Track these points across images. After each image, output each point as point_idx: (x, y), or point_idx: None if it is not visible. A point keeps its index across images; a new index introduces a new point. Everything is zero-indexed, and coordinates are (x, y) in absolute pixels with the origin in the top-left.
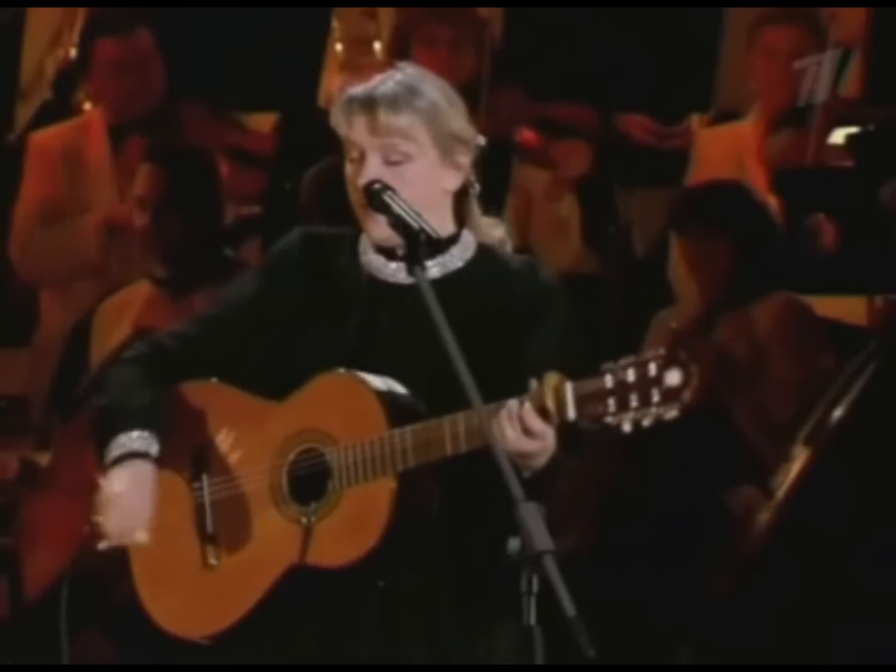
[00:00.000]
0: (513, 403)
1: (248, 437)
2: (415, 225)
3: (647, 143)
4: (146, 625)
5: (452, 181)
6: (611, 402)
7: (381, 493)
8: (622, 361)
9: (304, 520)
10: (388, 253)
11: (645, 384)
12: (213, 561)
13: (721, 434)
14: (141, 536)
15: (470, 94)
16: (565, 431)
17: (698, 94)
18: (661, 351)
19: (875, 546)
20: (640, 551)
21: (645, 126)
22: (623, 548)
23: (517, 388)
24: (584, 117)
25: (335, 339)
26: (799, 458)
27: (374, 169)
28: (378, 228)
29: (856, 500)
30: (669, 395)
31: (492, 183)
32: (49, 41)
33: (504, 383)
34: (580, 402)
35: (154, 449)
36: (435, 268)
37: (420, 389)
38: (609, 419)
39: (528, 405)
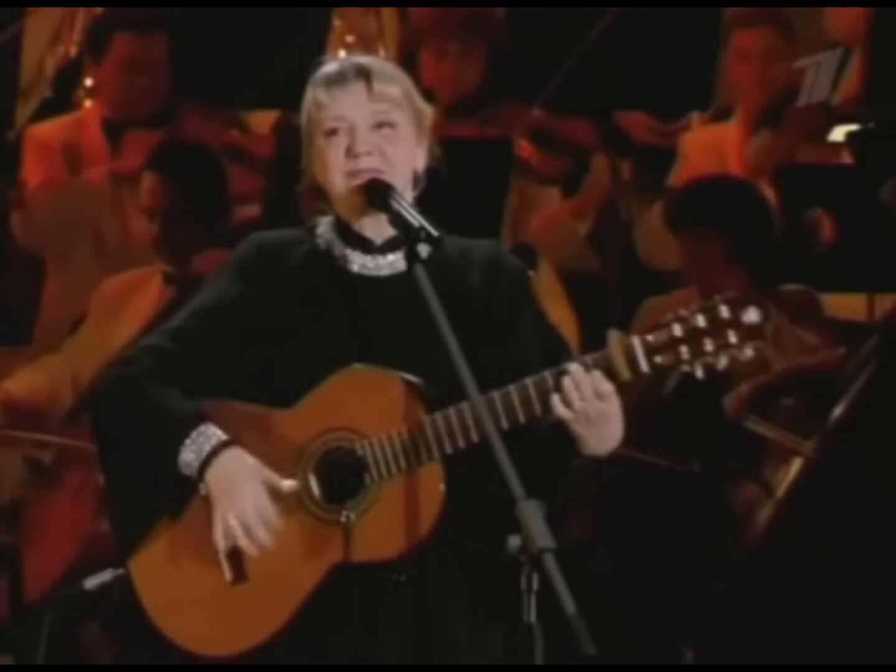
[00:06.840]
0: (576, 368)
1: (266, 450)
2: (415, 223)
3: (647, 140)
4: (146, 623)
5: (420, 161)
6: (683, 349)
7: (429, 480)
8: (685, 309)
9: (342, 518)
10: (364, 246)
11: (719, 327)
12: (233, 575)
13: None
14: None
15: (473, 103)
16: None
17: (698, 92)
18: (730, 294)
19: (876, 544)
20: (639, 549)
21: (645, 124)
22: (623, 545)
23: (509, 374)
24: (584, 132)
25: (322, 340)
26: (800, 456)
27: (365, 137)
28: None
29: (857, 498)
30: (750, 334)
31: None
32: (49, 40)
33: (497, 369)
34: (650, 353)
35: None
36: (401, 261)
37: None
38: (683, 367)
39: (596, 372)
